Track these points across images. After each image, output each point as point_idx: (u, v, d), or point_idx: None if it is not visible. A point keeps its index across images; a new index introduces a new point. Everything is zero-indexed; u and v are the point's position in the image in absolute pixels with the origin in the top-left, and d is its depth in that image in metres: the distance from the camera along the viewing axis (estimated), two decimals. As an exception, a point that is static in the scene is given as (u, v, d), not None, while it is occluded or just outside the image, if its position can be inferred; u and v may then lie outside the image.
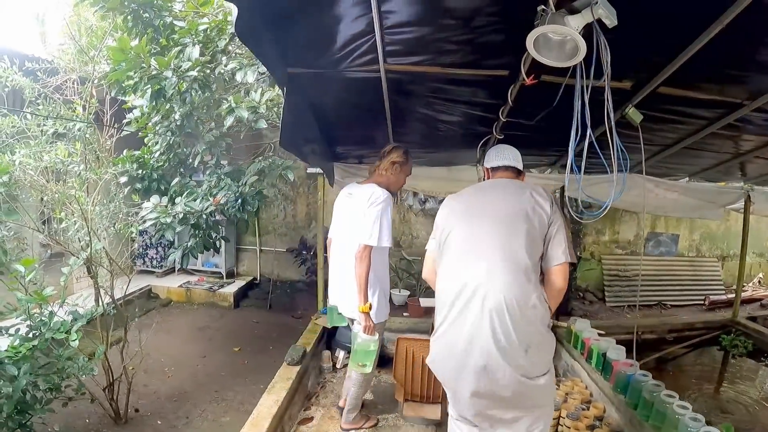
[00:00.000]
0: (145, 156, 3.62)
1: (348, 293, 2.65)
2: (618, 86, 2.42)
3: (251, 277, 6.49)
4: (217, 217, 3.44)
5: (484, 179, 2.22)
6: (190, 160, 3.54)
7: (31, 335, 2.23)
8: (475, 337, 1.68)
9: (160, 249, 6.36)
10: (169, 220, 2.87)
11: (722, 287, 7.89)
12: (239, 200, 3.33)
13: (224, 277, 5.96)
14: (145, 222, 2.94)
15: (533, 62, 1.99)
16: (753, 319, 5.57)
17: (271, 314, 5.63)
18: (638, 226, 8.29)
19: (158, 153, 3.51)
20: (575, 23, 1.60)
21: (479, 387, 1.70)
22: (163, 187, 3.58)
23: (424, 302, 5.57)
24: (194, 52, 2.94)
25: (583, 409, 2.92)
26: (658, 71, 2.27)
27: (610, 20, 1.58)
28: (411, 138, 3.44)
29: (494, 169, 2.15)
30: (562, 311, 5.61)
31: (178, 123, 3.28)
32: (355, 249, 2.57)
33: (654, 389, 2.70)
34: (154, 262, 6.40)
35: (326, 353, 3.96)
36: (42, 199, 2.89)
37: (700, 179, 4.70)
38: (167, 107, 3.25)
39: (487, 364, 1.67)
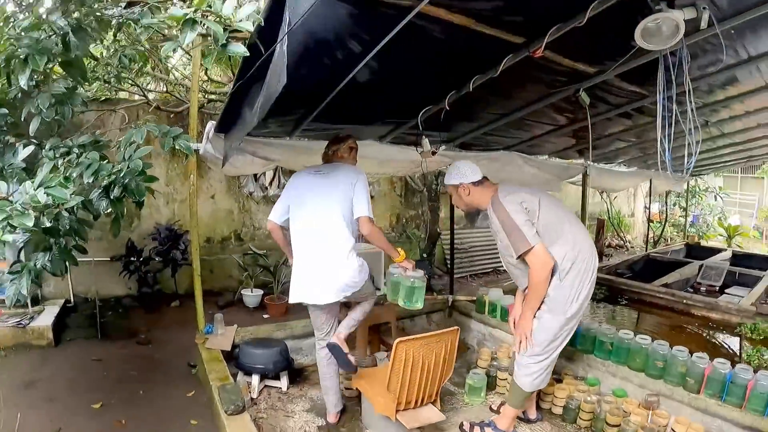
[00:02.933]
0: None
1: (331, 275, 2.55)
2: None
3: (63, 300, 4.72)
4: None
5: (461, 189, 2.59)
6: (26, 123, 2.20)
7: None
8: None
9: None
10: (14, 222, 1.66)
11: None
12: (113, 186, 2.22)
13: (29, 304, 4.11)
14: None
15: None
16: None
17: (109, 345, 4.17)
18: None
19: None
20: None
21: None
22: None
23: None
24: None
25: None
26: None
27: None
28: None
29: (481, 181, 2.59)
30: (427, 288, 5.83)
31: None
32: (339, 227, 2.56)
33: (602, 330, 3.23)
34: None
35: (241, 382, 3.10)
36: None
37: (554, 156, 5.39)
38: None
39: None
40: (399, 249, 2.72)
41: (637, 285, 5.36)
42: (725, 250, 7.91)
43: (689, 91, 2.22)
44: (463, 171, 2.55)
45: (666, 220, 10.03)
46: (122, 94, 5.97)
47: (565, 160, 5.82)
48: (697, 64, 2.69)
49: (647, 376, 2.95)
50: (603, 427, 2.79)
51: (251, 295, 5.78)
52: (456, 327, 2.41)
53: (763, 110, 4.02)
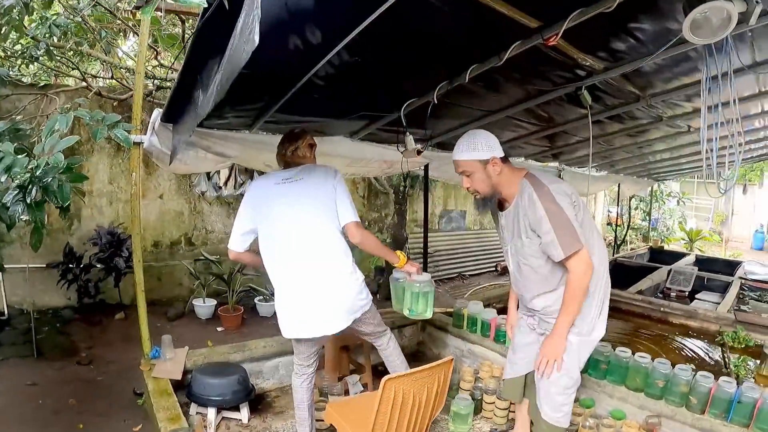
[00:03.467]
0: None
1: (337, 298, 2.19)
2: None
3: (-6, 312, 4.06)
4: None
5: (490, 166, 2.00)
6: None
7: None
8: None
9: None
10: None
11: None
12: (31, 186, 1.74)
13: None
14: None
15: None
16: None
17: (45, 366, 3.59)
18: (432, 204, 8.99)
19: None
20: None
21: None
22: None
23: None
24: None
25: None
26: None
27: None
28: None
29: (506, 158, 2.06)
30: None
31: None
32: (333, 240, 2.21)
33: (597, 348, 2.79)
34: None
35: (196, 418, 2.63)
36: None
37: (531, 159, 5.19)
38: None
39: None
40: (398, 252, 2.42)
41: (613, 292, 5.22)
42: (689, 254, 8.06)
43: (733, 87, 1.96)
44: (491, 143, 2.00)
45: (629, 225, 10.19)
46: (70, 82, 5.31)
47: (540, 162, 5.66)
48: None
49: (647, 396, 2.74)
50: (603, 454, 2.54)
51: (204, 306, 5.27)
52: (451, 357, 2.05)
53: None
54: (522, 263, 2.11)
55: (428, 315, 2.48)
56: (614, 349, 2.92)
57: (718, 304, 5.44)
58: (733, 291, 5.33)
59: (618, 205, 9.68)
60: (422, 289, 2.42)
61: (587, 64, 2.35)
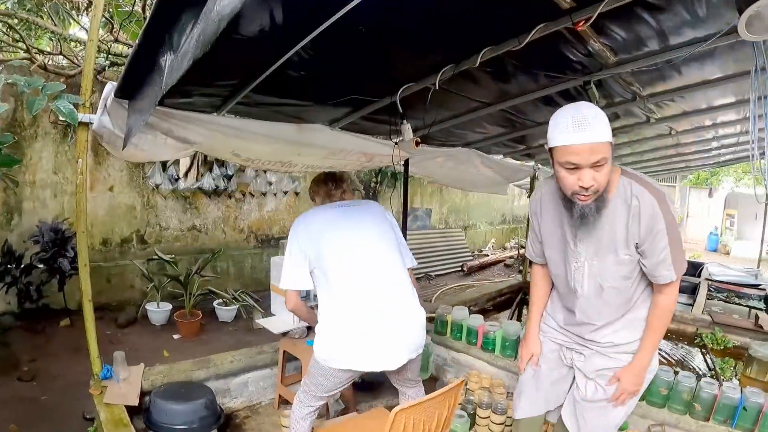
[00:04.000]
0: None
1: (410, 330, 1.95)
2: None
3: None
4: None
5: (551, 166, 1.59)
6: None
7: None
8: None
9: None
10: None
11: (469, 254, 9.24)
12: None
13: None
14: None
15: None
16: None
17: (-18, 382, 3.10)
18: (398, 202, 8.77)
19: None
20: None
21: None
22: None
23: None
24: None
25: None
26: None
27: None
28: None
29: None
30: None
31: None
32: (403, 270, 2.04)
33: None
34: None
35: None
36: None
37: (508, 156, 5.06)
38: None
39: None
40: None
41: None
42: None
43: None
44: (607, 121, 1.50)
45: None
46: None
47: (517, 161, 5.54)
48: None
49: (649, 405, 2.62)
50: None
51: (158, 311, 4.82)
52: (462, 379, 1.79)
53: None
54: (607, 285, 1.69)
55: None
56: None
57: (688, 305, 5.52)
58: (702, 292, 5.41)
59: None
60: None
61: (604, 54, 2.15)
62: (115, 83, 2.06)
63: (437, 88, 2.27)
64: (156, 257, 4.96)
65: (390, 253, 2.01)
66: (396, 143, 2.73)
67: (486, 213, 10.44)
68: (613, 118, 3.61)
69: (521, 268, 8.78)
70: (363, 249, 1.96)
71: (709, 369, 3.62)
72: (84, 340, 2.49)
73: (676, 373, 2.59)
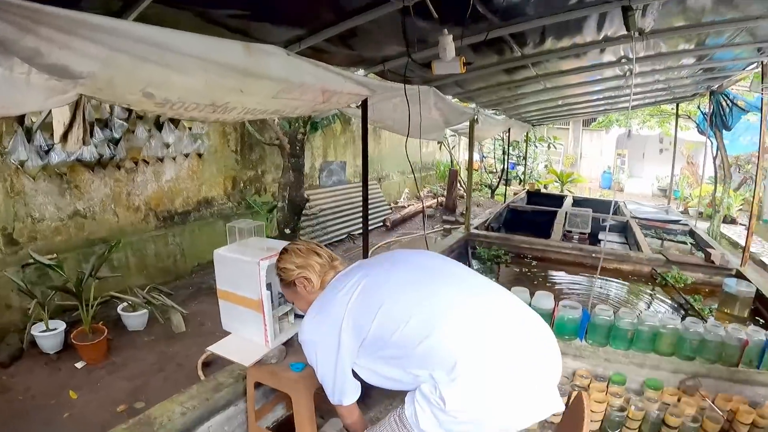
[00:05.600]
0: None
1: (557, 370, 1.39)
2: None
3: None
4: None
5: None
6: None
7: None
8: None
9: None
10: None
11: (388, 206, 8.82)
12: None
13: None
14: None
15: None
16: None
17: None
18: (312, 156, 7.99)
19: None
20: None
21: None
22: None
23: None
24: None
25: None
26: None
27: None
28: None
29: None
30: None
31: None
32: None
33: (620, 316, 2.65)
34: None
35: None
36: None
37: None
38: None
39: None
40: None
41: (540, 242, 5.16)
42: (565, 196, 8.67)
43: None
44: None
45: (506, 170, 10.60)
46: None
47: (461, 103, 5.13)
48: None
49: (679, 359, 2.54)
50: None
51: (49, 335, 3.59)
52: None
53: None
54: None
55: None
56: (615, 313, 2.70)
57: (622, 243, 5.83)
58: (637, 230, 5.71)
59: (508, 150, 10.11)
60: None
61: None
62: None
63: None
64: (32, 261, 3.60)
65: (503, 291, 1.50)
66: (438, 65, 1.96)
67: (397, 162, 10.03)
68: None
69: (444, 217, 8.72)
70: (481, 297, 1.42)
71: (682, 307, 3.71)
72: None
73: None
